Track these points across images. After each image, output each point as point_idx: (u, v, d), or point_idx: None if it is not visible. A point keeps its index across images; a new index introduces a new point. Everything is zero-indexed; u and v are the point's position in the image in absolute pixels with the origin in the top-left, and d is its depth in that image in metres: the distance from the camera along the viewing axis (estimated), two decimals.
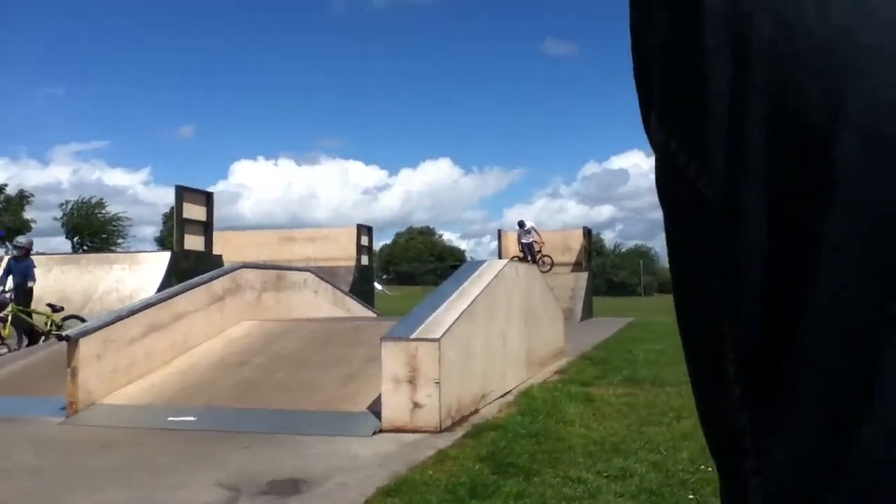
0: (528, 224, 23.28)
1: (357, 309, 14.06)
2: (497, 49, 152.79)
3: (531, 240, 22.71)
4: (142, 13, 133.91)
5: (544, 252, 22.86)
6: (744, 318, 0.36)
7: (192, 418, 6.72)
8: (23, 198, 65.48)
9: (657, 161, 0.40)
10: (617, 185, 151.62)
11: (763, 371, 0.35)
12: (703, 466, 4.76)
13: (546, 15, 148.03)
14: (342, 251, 21.69)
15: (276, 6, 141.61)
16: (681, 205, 0.39)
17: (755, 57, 0.35)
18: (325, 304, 12.89)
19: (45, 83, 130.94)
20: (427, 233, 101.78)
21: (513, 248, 23.56)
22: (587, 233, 24.85)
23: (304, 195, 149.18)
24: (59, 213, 72.38)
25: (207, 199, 15.62)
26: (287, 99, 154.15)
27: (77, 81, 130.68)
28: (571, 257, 24.22)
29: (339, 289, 14.11)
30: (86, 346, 7.24)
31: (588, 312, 21.04)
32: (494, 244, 25.37)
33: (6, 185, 65.94)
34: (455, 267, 13.87)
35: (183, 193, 14.85)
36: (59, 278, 14.89)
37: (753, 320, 0.36)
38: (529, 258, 20.98)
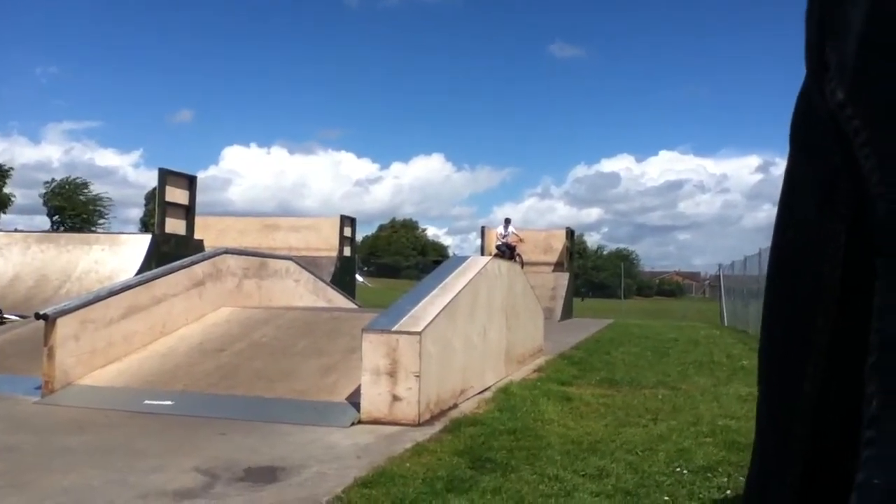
0: (510, 227, 23.49)
1: (338, 299, 14.04)
2: (504, 50, 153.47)
3: (505, 240, 23.00)
4: None
5: (519, 250, 23.07)
6: None
7: (169, 402, 6.69)
8: (1, 172, 64.26)
9: (811, 114, 0.42)
10: (607, 188, 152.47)
11: None
12: (678, 469, 4.81)
13: (557, 17, 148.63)
14: (325, 241, 21.62)
15: None
16: (831, 164, 0.41)
17: None
18: (306, 293, 12.85)
19: (41, 61, 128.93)
20: (410, 226, 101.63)
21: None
22: (570, 233, 24.96)
23: (295, 184, 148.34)
24: (44, 191, 71.57)
25: (190, 182, 15.51)
26: (289, 87, 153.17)
27: (74, 59, 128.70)
28: (553, 257, 24.31)
29: (320, 279, 14.07)
30: (63, 326, 7.17)
31: (568, 313, 21.13)
32: (480, 241, 25.40)
33: None
34: (437, 262, 13.85)
35: (166, 176, 14.75)
36: (38, 256, 14.73)
37: None
38: (508, 256, 21.14)
